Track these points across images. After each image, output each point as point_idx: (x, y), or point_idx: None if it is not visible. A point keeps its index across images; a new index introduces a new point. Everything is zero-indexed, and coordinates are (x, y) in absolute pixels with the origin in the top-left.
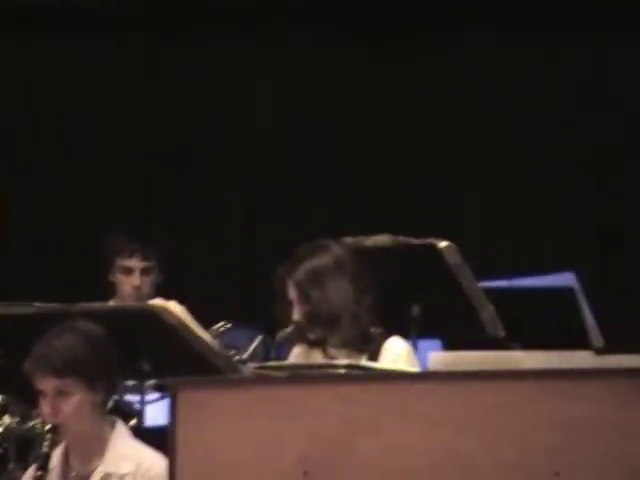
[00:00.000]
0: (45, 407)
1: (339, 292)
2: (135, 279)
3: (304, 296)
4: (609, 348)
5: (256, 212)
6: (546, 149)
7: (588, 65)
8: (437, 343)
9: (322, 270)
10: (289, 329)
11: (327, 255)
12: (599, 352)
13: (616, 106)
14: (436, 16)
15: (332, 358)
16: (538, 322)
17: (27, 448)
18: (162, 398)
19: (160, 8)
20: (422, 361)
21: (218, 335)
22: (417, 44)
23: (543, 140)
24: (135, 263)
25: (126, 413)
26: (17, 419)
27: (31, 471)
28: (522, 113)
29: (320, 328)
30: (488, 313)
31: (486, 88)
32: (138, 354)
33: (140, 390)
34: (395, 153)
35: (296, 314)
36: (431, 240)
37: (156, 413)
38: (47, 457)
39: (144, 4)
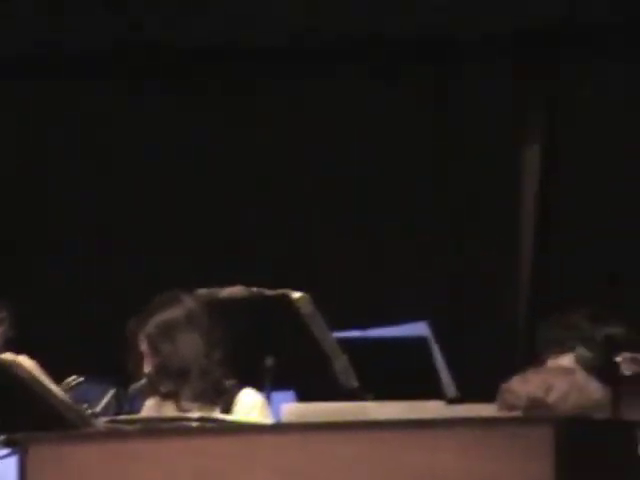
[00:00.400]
0: None
1: (189, 345)
2: None
3: (154, 349)
4: (462, 397)
5: (110, 267)
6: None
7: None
8: (291, 394)
9: (173, 323)
10: (141, 382)
11: (179, 308)
12: (451, 402)
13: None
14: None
15: (185, 411)
16: (392, 372)
17: None
18: (12, 454)
19: None
20: (276, 413)
21: (70, 389)
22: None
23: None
24: None
25: None
26: None
27: None
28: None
29: (171, 381)
30: (341, 363)
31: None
32: None
33: None
34: (244, 203)
35: (147, 367)
36: (285, 291)
37: (5, 470)
38: None
39: None
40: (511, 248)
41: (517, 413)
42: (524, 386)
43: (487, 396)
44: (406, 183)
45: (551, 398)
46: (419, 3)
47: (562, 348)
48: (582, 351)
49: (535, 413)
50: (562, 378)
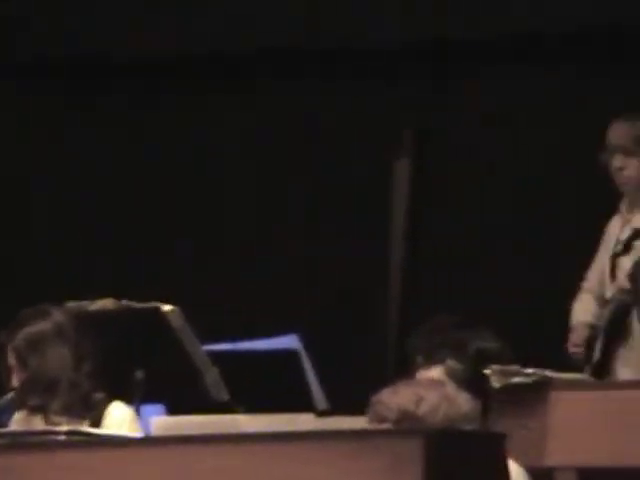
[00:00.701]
0: None
1: (58, 359)
2: None
3: (22, 363)
4: (332, 410)
5: None
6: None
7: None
8: (161, 408)
9: (41, 336)
10: (9, 395)
11: (47, 321)
12: (322, 414)
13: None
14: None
15: (53, 424)
16: (263, 385)
17: None
18: None
19: None
20: (146, 426)
21: None
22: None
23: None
24: None
25: None
26: None
27: None
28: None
29: (39, 395)
30: (212, 376)
31: None
32: None
33: None
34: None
35: (15, 380)
36: (155, 304)
37: None
38: None
39: None
40: (382, 261)
41: (387, 425)
42: (394, 398)
43: (358, 409)
44: (277, 196)
45: (421, 410)
46: None
47: (432, 360)
48: (452, 363)
49: (405, 425)
50: (432, 390)
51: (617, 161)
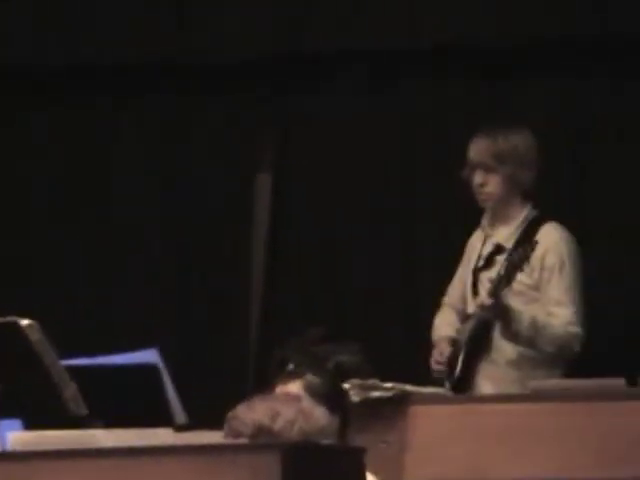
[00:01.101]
0: None
1: None
2: None
3: None
4: (191, 425)
5: None
6: None
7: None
8: (17, 423)
9: None
10: None
11: None
12: (180, 429)
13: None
14: None
15: None
16: (121, 400)
17: None
18: None
19: None
20: (2, 441)
21: None
22: None
23: None
24: None
25: None
26: None
27: None
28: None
29: None
30: (70, 391)
31: None
32: None
33: None
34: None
35: None
36: (12, 318)
37: None
38: None
39: None
40: (243, 275)
41: (243, 440)
42: (250, 414)
43: (218, 424)
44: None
45: (277, 425)
46: None
47: (291, 374)
48: (310, 378)
49: (261, 440)
50: (289, 405)
51: (478, 177)
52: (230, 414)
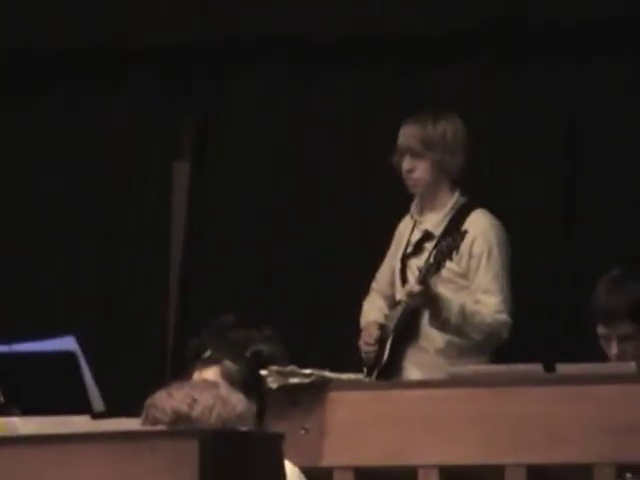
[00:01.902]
0: None
1: None
2: None
3: None
4: (109, 412)
5: None
6: None
7: None
8: None
9: None
10: None
11: None
12: (98, 416)
13: None
14: None
15: None
16: (39, 387)
17: None
18: None
19: None
20: None
21: None
22: None
23: None
24: None
25: None
26: None
27: None
28: None
29: None
30: None
31: None
32: None
33: None
34: None
35: None
36: None
37: None
38: None
39: None
40: (161, 263)
41: (162, 427)
42: (168, 401)
43: (135, 411)
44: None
45: (195, 412)
46: None
47: (208, 361)
48: (228, 364)
49: (180, 427)
50: (206, 392)
51: (406, 163)
52: (148, 401)
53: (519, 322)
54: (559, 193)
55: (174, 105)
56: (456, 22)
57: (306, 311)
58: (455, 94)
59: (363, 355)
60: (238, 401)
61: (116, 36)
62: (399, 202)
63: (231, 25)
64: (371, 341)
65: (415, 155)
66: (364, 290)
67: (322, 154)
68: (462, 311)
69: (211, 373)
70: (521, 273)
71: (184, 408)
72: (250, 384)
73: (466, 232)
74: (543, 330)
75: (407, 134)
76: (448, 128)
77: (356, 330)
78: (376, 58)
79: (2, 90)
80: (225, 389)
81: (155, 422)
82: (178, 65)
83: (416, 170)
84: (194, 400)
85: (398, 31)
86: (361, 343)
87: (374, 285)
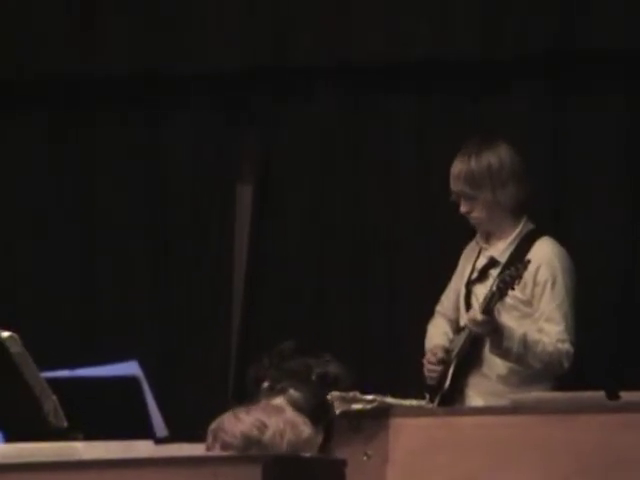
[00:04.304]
0: None
1: None
2: None
3: None
4: (172, 438)
5: None
6: None
7: None
8: None
9: None
10: None
11: None
12: (161, 441)
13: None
14: None
15: None
16: (102, 412)
17: None
18: None
19: None
20: None
21: None
22: None
23: None
24: None
25: None
26: None
27: None
28: None
29: None
30: (51, 404)
31: None
32: None
33: None
34: None
35: None
36: None
37: None
38: None
39: None
40: (224, 287)
41: (231, 452)
42: (237, 425)
43: (197, 436)
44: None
45: (266, 436)
46: None
47: (273, 392)
48: (293, 394)
49: (251, 452)
50: (275, 416)
51: (462, 207)
52: (214, 426)
53: (584, 349)
54: (629, 219)
55: (236, 127)
56: (514, 46)
57: (366, 336)
58: (512, 121)
59: (426, 375)
60: (305, 425)
61: (185, 60)
62: (464, 225)
63: (294, 52)
64: (435, 362)
65: (467, 198)
66: (427, 315)
67: (378, 181)
68: (524, 340)
69: (278, 401)
70: (586, 301)
71: (254, 432)
72: (318, 410)
73: (529, 262)
74: (607, 358)
75: (454, 176)
76: (492, 160)
77: (419, 355)
78: (428, 85)
79: (70, 106)
80: (291, 413)
81: (226, 446)
82: (239, 89)
83: (473, 211)
84: (264, 424)
85: (455, 58)
86: (425, 363)
87: (439, 308)
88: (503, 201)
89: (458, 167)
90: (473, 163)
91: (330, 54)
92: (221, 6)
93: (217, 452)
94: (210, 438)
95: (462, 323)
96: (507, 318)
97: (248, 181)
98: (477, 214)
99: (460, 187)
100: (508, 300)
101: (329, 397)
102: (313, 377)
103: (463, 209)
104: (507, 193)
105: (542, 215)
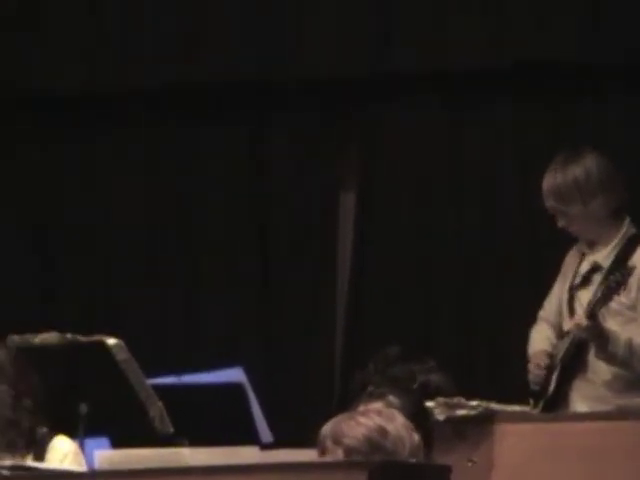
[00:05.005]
0: None
1: None
2: None
3: None
4: (277, 443)
5: None
6: None
7: None
8: (105, 441)
9: None
10: None
11: None
12: (266, 447)
13: None
14: None
15: None
16: (208, 418)
17: None
18: None
19: None
20: (90, 460)
21: None
22: None
23: None
24: None
25: None
26: None
27: None
28: None
29: None
30: (157, 410)
31: None
32: None
33: None
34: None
35: None
36: (99, 337)
37: None
38: None
39: None
40: (328, 293)
41: (357, 457)
42: (358, 429)
43: (302, 442)
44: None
45: (389, 442)
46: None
47: (372, 396)
48: (392, 399)
49: (376, 457)
50: (393, 422)
51: (559, 222)
52: (330, 431)
53: None
54: None
55: (335, 135)
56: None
57: (471, 342)
58: (607, 127)
59: (530, 379)
60: (415, 432)
61: (275, 69)
62: (565, 232)
63: (392, 58)
64: (541, 365)
65: (561, 213)
66: (529, 321)
67: (478, 184)
68: (629, 345)
69: (378, 407)
70: None
71: (376, 437)
72: (417, 417)
73: (634, 268)
74: None
75: (544, 192)
76: (577, 173)
77: (522, 361)
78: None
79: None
80: (402, 419)
81: (349, 451)
82: (338, 96)
83: (569, 225)
84: (384, 430)
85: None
86: (530, 367)
87: (542, 314)
88: (597, 211)
89: (546, 183)
90: (559, 178)
91: (426, 61)
92: (317, 16)
93: (335, 457)
94: (329, 442)
95: (565, 328)
96: (612, 323)
97: (350, 189)
98: (574, 227)
99: (551, 203)
100: (613, 305)
101: (432, 403)
102: (415, 385)
103: (560, 224)
104: (598, 203)
105: None
